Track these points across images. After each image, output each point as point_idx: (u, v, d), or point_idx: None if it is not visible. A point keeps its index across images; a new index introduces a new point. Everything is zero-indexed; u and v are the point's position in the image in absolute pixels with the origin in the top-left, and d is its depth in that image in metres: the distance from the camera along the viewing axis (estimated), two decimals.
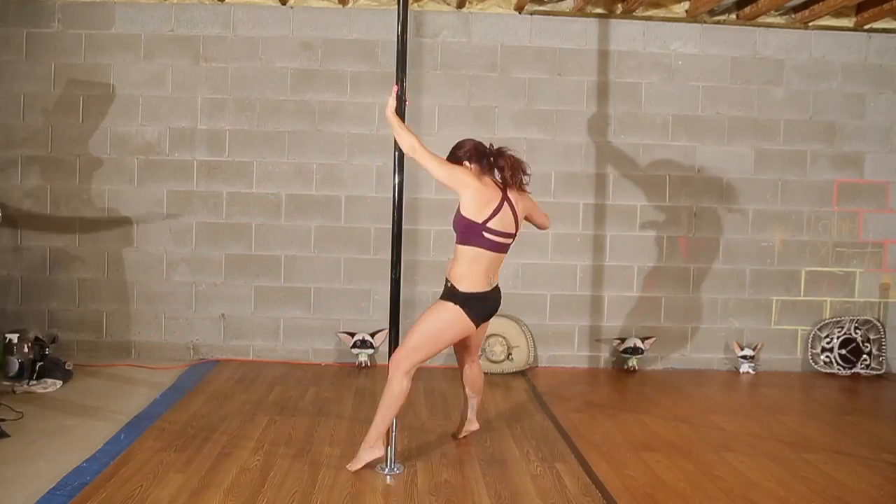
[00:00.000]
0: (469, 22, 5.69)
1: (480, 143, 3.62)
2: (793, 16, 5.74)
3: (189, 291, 5.69)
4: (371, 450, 3.52)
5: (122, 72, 5.59)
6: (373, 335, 5.64)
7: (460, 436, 4.06)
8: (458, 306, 3.45)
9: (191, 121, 5.63)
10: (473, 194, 3.41)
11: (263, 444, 3.85)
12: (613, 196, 5.80)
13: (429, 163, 3.36)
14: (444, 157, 3.53)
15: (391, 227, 3.65)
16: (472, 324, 3.50)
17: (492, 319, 3.74)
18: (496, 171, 3.57)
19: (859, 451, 4.04)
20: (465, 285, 3.46)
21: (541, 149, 5.73)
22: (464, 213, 3.42)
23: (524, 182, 3.57)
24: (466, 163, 3.53)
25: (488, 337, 5.44)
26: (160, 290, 5.67)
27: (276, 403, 4.61)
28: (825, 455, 3.96)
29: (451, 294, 3.49)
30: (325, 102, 5.67)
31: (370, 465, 3.58)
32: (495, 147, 3.61)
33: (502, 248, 3.53)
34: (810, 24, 5.74)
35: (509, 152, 3.57)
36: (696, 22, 5.74)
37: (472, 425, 4.06)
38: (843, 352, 5.77)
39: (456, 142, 3.65)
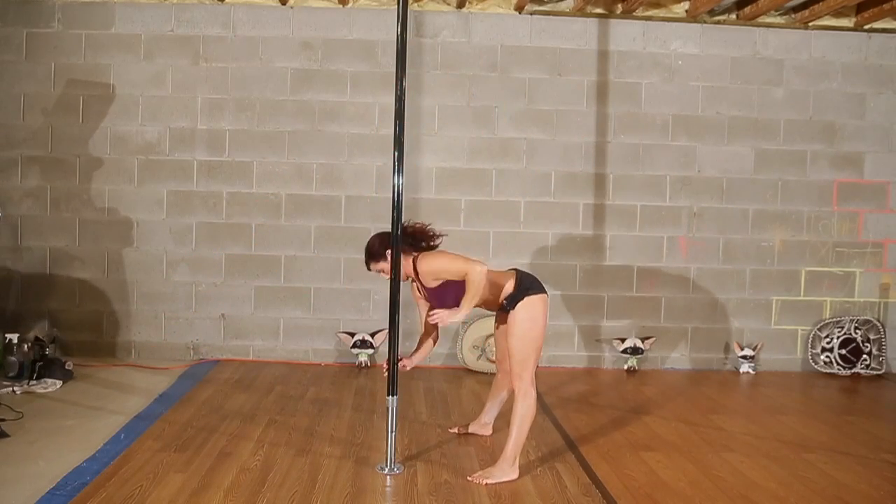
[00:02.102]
0: (469, 22, 5.69)
1: (383, 234, 3.66)
2: (793, 16, 5.74)
3: (189, 291, 5.69)
4: (511, 469, 3.49)
5: (122, 72, 5.59)
6: (373, 335, 5.64)
7: (466, 431, 4.09)
8: (526, 298, 3.53)
9: (191, 121, 5.63)
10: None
11: (263, 444, 3.85)
12: (613, 196, 5.80)
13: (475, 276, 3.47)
14: (372, 256, 3.63)
15: (391, 227, 3.65)
16: (545, 297, 3.58)
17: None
18: (410, 245, 3.65)
19: (859, 451, 4.04)
20: (509, 288, 3.59)
21: (541, 149, 5.73)
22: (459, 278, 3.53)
23: (434, 243, 3.70)
24: (387, 253, 3.57)
25: (488, 337, 5.43)
26: (160, 290, 5.67)
27: (276, 403, 4.61)
28: (825, 455, 3.95)
29: (514, 299, 3.55)
30: (325, 102, 5.67)
31: (370, 465, 3.59)
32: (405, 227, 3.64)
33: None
34: (810, 24, 5.74)
35: (410, 225, 3.66)
36: (696, 22, 5.74)
37: (486, 429, 4.09)
38: (843, 352, 5.76)
39: (373, 241, 3.68)
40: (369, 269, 3.67)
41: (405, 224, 3.60)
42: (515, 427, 3.48)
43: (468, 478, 3.47)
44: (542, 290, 3.61)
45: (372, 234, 3.72)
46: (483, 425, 4.10)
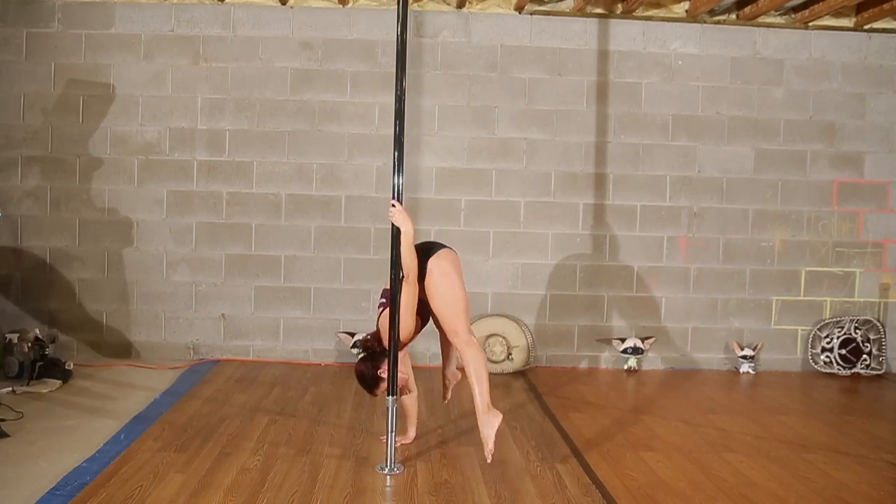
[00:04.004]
0: (469, 22, 5.69)
1: (365, 361, 3.74)
2: (793, 16, 5.74)
3: (189, 291, 5.69)
4: (489, 419, 3.53)
5: (122, 72, 5.59)
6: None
7: (448, 395, 4.08)
8: (429, 262, 3.62)
9: (191, 121, 5.63)
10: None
11: (263, 444, 3.85)
12: (613, 196, 5.80)
13: (407, 295, 3.54)
14: (372, 385, 3.71)
15: (391, 226, 3.65)
16: (447, 252, 3.70)
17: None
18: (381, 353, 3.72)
19: (859, 451, 4.04)
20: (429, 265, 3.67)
21: (541, 149, 5.73)
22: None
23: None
24: (381, 374, 3.67)
25: (488, 337, 5.43)
26: (160, 290, 5.67)
27: (276, 403, 4.61)
28: (825, 455, 3.96)
29: (421, 268, 3.62)
30: (325, 102, 5.67)
31: (370, 465, 3.59)
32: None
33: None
34: (810, 24, 5.74)
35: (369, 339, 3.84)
36: (696, 22, 5.74)
37: (456, 377, 4.07)
38: (843, 352, 5.76)
39: (361, 372, 3.74)
40: (376, 395, 3.77)
41: (367, 340, 3.78)
42: (473, 378, 3.55)
43: (488, 461, 3.50)
44: (441, 247, 3.71)
45: (357, 366, 3.77)
46: (452, 374, 4.07)
